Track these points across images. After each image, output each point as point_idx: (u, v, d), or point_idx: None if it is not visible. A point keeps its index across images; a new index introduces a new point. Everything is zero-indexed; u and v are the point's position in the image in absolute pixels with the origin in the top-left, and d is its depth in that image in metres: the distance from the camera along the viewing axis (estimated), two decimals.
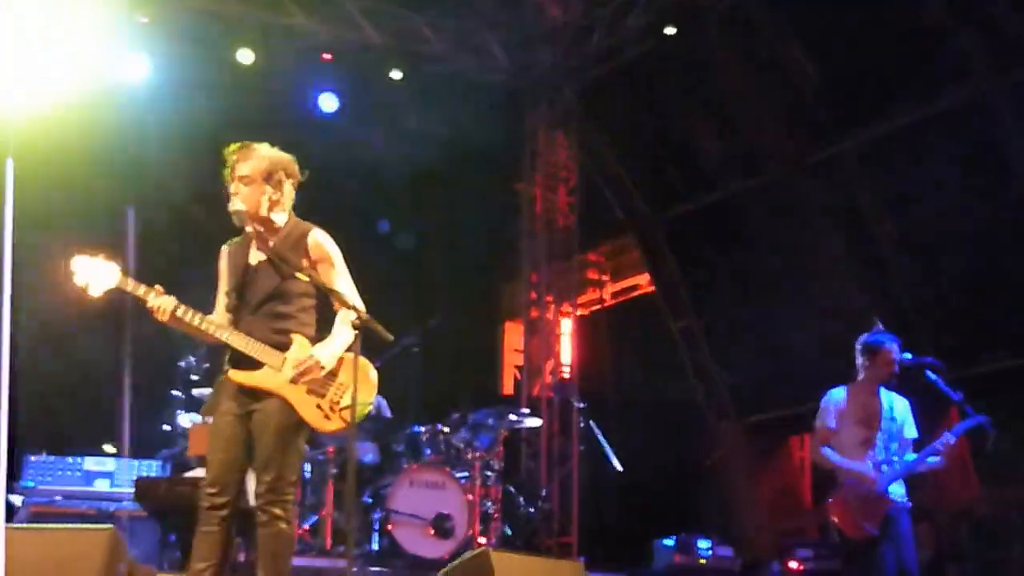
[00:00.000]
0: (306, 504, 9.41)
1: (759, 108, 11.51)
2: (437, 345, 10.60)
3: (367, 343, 5.40)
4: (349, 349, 5.45)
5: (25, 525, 7.63)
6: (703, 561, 10.43)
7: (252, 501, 7.26)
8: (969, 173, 10.36)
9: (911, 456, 7.40)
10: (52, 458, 8.38)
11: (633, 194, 13.07)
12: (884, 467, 7.35)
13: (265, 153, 5.47)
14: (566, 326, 12.99)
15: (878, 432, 7.51)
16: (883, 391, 7.58)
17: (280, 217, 5.51)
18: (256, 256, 5.48)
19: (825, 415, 7.56)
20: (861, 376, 7.60)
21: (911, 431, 7.53)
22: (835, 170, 11.20)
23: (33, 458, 8.33)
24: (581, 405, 11.83)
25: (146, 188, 10.99)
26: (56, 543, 5.36)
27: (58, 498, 8.27)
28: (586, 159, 12.95)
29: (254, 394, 5.34)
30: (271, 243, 5.47)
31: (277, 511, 5.24)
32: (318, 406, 5.39)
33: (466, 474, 9.62)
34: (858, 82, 10.70)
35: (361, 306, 5.43)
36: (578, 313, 13.45)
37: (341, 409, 5.41)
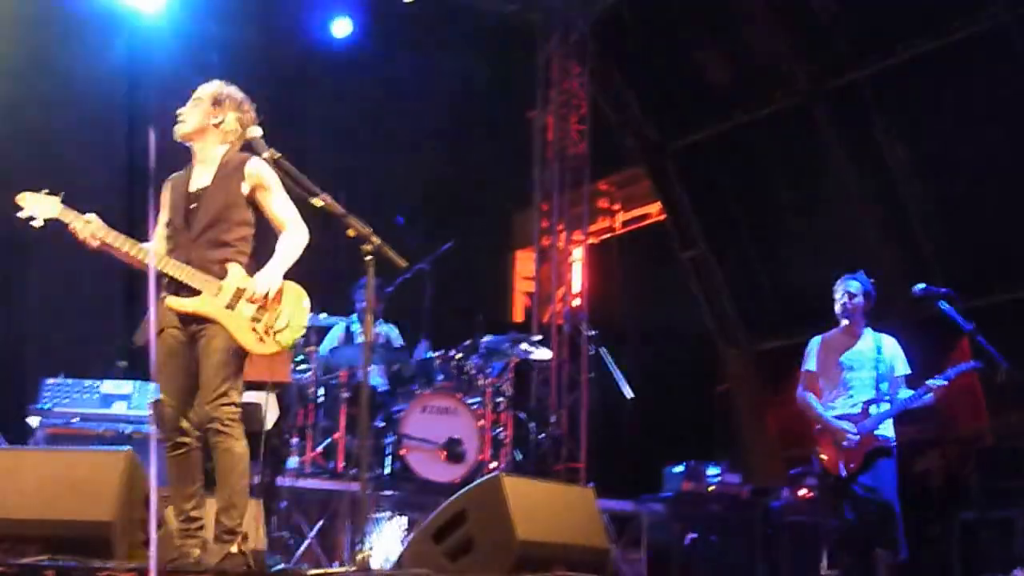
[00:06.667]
0: (318, 427, 9.48)
1: (773, 36, 11.39)
2: (448, 272, 10.59)
3: (380, 268, 5.41)
4: (364, 276, 5.46)
5: (42, 447, 7.69)
6: (712, 488, 10.45)
7: (268, 425, 7.34)
8: (984, 103, 10.31)
9: (905, 393, 7.51)
10: (69, 380, 8.27)
11: (644, 123, 12.99)
12: (873, 407, 7.49)
13: (218, 84, 5.59)
14: (577, 254, 12.99)
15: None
16: (869, 331, 7.72)
17: (220, 146, 5.55)
18: (197, 183, 5.52)
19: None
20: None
21: (903, 368, 7.66)
22: (849, 99, 11.12)
23: (50, 380, 8.25)
24: (591, 333, 11.86)
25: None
26: (73, 465, 5.35)
27: (75, 420, 8.17)
28: (598, 88, 12.85)
29: (195, 320, 5.38)
30: (213, 170, 5.52)
31: (224, 431, 5.31)
32: (253, 329, 5.45)
33: (477, 400, 9.69)
34: (874, 11, 10.60)
35: (302, 231, 5.52)
36: (589, 241, 13.42)
37: (276, 332, 5.48)
